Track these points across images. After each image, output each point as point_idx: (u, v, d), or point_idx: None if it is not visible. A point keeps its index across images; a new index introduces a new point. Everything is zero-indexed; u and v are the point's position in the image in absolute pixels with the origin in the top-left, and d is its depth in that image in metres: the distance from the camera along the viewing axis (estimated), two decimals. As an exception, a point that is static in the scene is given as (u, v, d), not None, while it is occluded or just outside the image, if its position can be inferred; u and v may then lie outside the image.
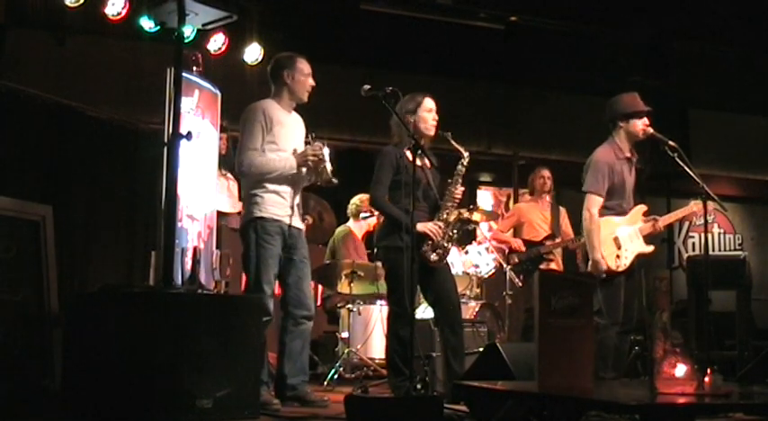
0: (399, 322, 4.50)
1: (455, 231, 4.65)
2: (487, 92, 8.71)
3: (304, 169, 4.52)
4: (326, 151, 4.54)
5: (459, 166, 4.70)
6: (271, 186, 4.46)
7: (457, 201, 4.69)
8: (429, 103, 4.72)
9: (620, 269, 4.85)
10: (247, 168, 4.43)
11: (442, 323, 4.71)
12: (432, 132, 4.71)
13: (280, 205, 4.47)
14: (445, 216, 4.65)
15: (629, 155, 4.99)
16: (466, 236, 4.73)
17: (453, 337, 4.65)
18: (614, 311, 4.78)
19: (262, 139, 4.44)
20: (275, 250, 4.43)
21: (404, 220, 4.44)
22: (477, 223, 4.71)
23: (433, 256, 4.58)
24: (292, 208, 4.53)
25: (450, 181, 4.73)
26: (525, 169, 8.73)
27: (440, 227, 4.60)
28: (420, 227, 4.51)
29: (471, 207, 4.80)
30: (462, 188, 4.72)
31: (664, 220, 5.09)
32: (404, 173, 4.53)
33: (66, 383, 3.81)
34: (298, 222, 4.59)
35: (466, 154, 4.70)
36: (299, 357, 4.52)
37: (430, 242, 4.57)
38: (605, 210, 4.91)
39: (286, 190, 4.49)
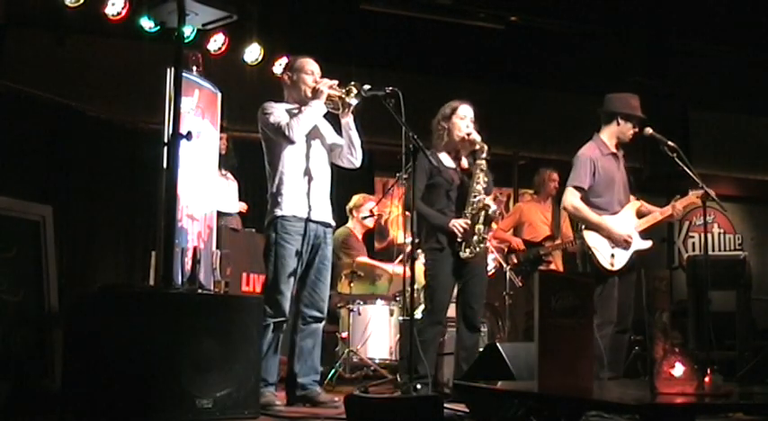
0: (427, 321, 4.67)
1: (482, 224, 4.73)
2: (487, 92, 8.72)
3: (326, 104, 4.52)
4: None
5: (477, 161, 4.80)
6: (292, 183, 4.46)
7: (481, 192, 4.77)
8: (463, 111, 4.87)
9: (615, 268, 4.86)
10: (288, 129, 4.38)
11: (461, 321, 4.82)
12: (458, 138, 4.83)
13: (301, 202, 4.46)
14: (469, 211, 4.73)
15: (614, 151, 5.02)
16: (487, 221, 4.80)
17: (470, 338, 4.79)
18: (608, 310, 4.80)
19: (288, 116, 4.46)
20: (294, 249, 4.42)
21: (438, 221, 4.71)
22: (488, 206, 4.77)
23: (464, 253, 4.69)
24: (319, 203, 4.51)
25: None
26: (525, 169, 8.75)
27: (466, 222, 4.70)
28: (449, 224, 4.69)
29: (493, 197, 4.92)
30: (486, 179, 4.80)
31: (682, 202, 5.11)
32: (437, 175, 4.74)
33: (66, 383, 3.80)
34: (326, 217, 4.58)
35: (485, 148, 4.80)
36: (310, 356, 4.52)
37: (459, 239, 4.69)
38: (598, 210, 4.93)
39: (309, 186, 4.48)
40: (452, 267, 4.72)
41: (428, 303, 4.73)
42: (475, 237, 4.70)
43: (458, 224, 4.68)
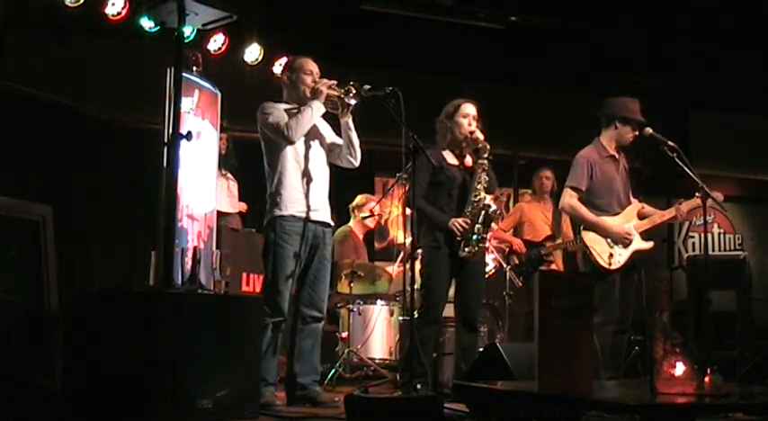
0: (423, 319, 4.66)
1: (481, 223, 4.72)
2: (487, 92, 8.70)
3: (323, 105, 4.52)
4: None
5: (480, 160, 4.80)
6: (291, 183, 4.46)
7: (482, 192, 4.79)
8: (466, 109, 4.90)
9: (613, 267, 4.89)
10: (287, 129, 4.39)
11: (459, 321, 4.84)
12: (461, 137, 4.85)
13: (300, 202, 4.47)
14: (470, 210, 4.73)
15: (613, 154, 5.07)
16: (487, 221, 4.80)
17: (468, 337, 4.80)
18: (609, 309, 4.83)
19: (287, 116, 4.47)
20: (293, 249, 4.42)
21: (438, 219, 4.72)
22: (488, 206, 4.78)
23: (462, 252, 4.70)
24: (317, 203, 4.52)
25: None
26: (525, 169, 8.74)
27: (465, 221, 4.71)
28: (449, 223, 4.70)
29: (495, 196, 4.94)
30: (487, 178, 4.81)
31: (687, 205, 5.11)
32: (439, 173, 4.75)
33: (66, 383, 3.80)
34: (325, 217, 4.58)
35: (487, 147, 4.81)
36: (310, 356, 4.52)
37: (458, 237, 4.69)
38: (598, 211, 4.96)
39: (308, 186, 4.49)
40: (449, 266, 4.73)
41: (424, 301, 4.73)
42: (474, 237, 4.71)
43: (457, 223, 4.69)
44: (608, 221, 4.95)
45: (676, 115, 8.38)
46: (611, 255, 4.90)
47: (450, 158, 4.87)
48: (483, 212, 4.73)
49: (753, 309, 7.02)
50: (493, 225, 7.01)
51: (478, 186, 4.77)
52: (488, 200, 4.78)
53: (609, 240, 4.93)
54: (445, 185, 4.79)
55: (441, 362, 5.23)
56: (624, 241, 4.92)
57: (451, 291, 4.92)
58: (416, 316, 4.77)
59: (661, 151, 4.92)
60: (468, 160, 4.90)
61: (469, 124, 4.83)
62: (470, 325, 4.79)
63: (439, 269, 4.71)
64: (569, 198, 4.99)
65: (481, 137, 4.80)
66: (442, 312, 4.85)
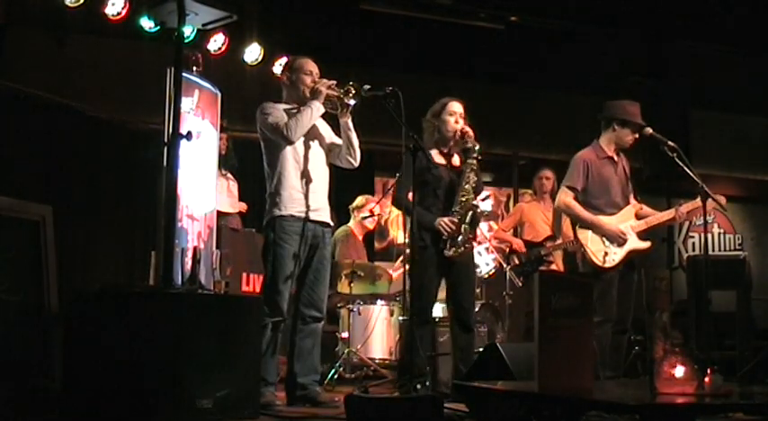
0: (417, 320, 4.59)
1: (468, 223, 4.70)
2: (487, 91, 8.71)
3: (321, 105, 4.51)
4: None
5: (469, 160, 4.78)
6: (291, 183, 4.46)
7: (470, 192, 4.76)
8: (453, 107, 4.87)
9: (607, 265, 4.90)
10: (287, 129, 4.39)
11: (453, 321, 4.80)
12: (449, 135, 4.83)
13: (300, 202, 4.46)
14: (458, 210, 4.71)
15: (611, 155, 5.08)
16: (474, 222, 4.79)
17: (464, 336, 4.76)
18: (607, 308, 4.83)
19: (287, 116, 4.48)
20: (292, 249, 4.42)
21: (425, 218, 4.65)
22: (476, 207, 4.77)
23: (448, 251, 4.66)
24: (317, 203, 4.51)
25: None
26: (525, 169, 8.75)
27: (452, 221, 4.67)
28: (435, 222, 4.66)
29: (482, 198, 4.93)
30: (475, 178, 4.79)
31: (686, 207, 5.12)
32: (426, 173, 4.69)
33: (66, 383, 3.80)
34: (325, 217, 4.58)
35: (476, 147, 4.78)
36: (310, 356, 4.52)
37: (444, 237, 4.66)
38: (594, 210, 4.98)
39: (307, 186, 4.48)
40: (437, 265, 4.69)
41: (415, 303, 4.70)
42: (460, 237, 4.69)
43: (444, 222, 4.67)
44: (603, 220, 4.97)
45: (676, 115, 8.38)
46: (605, 254, 4.91)
47: (438, 158, 4.85)
48: (470, 213, 4.71)
49: (753, 309, 7.02)
50: (492, 224, 7.02)
51: (467, 186, 4.74)
52: (476, 200, 4.76)
53: (604, 239, 4.94)
54: (431, 185, 4.76)
55: (439, 361, 5.23)
56: (619, 240, 4.93)
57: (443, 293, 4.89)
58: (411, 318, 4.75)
59: (661, 151, 4.92)
60: (456, 160, 4.87)
61: (456, 122, 4.81)
62: (465, 325, 4.76)
63: (427, 269, 4.67)
64: (565, 196, 5.03)
65: (470, 131, 4.77)
66: (432, 312, 4.83)
